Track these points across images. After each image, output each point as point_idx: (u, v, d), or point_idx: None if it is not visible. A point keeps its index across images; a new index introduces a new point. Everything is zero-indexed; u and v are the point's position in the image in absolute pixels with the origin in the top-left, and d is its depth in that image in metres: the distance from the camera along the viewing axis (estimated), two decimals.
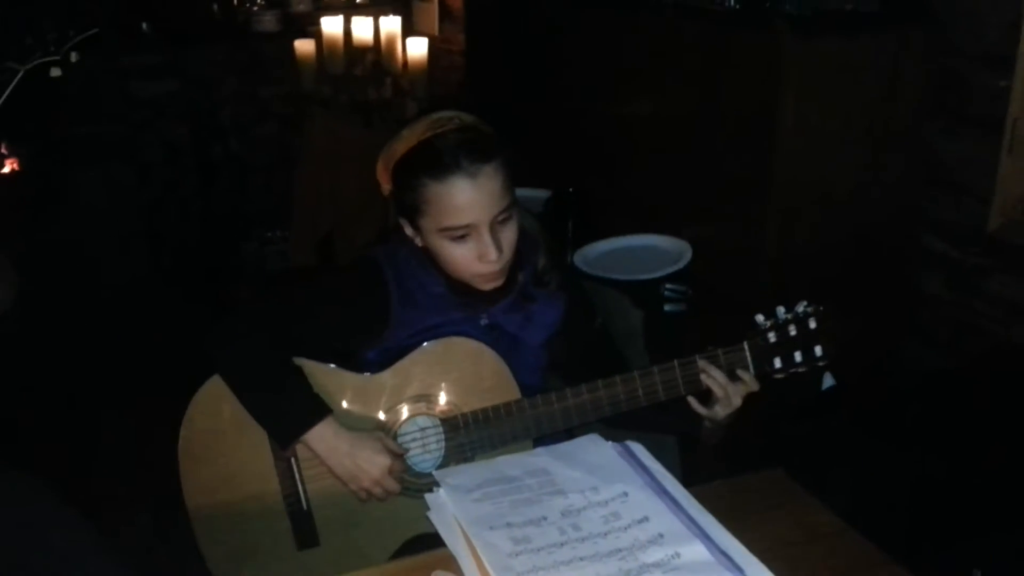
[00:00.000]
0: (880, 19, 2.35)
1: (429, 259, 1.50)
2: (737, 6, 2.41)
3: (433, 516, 1.23)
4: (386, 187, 1.51)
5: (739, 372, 1.46)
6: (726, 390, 1.45)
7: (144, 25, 4.14)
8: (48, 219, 3.74)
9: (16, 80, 1.46)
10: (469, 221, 1.40)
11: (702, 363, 1.46)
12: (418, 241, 1.49)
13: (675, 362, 1.46)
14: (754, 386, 1.47)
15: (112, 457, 2.86)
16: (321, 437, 1.43)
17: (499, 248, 1.42)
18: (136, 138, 4.10)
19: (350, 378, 1.51)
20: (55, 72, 1.57)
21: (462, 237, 1.42)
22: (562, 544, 1.16)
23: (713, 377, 1.45)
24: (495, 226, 1.42)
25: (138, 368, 3.25)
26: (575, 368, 1.54)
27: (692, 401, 1.48)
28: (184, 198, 4.23)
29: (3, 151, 3.79)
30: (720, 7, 2.44)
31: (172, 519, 1.57)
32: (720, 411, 1.47)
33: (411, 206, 1.44)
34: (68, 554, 1.39)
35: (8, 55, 1.50)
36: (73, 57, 1.59)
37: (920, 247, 2.51)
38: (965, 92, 2.34)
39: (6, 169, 3.81)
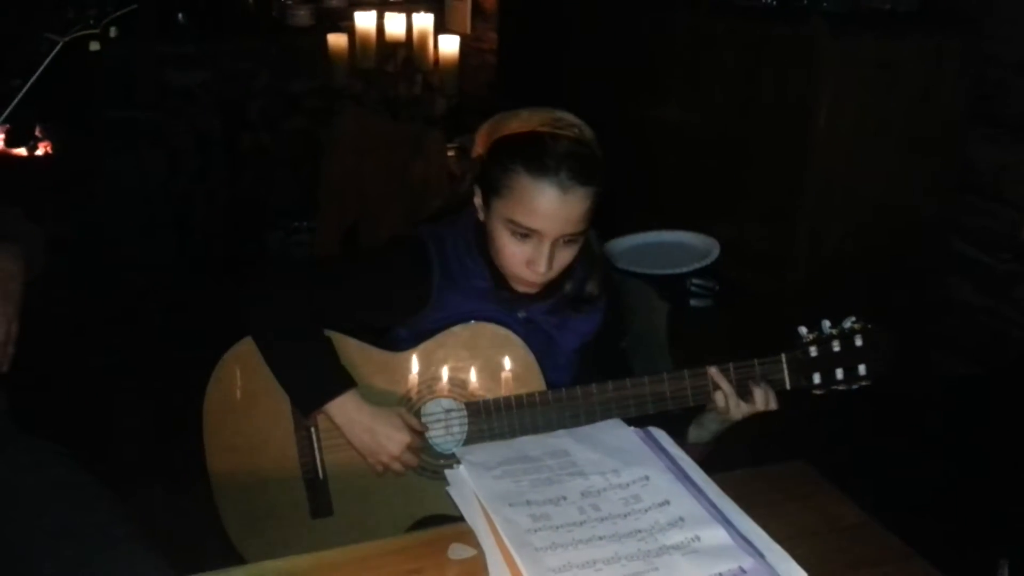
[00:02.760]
0: (919, 21, 2.32)
1: (479, 248, 1.49)
2: (774, 3, 2.39)
3: (453, 491, 1.22)
4: (478, 150, 1.48)
5: (754, 390, 1.43)
6: (728, 402, 1.42)
7: (180, 15, 4.19)
8: (78, 202, 3.78)
9: (55, 51, 1.47)
10: (538, 227, 1.39)
11: (712, 370, 1.43)
12: (480, 214, 1.48)
13: (707, 368, 1.43)
14: (763, 406, 1.43)
15: (130, 429, 2.89)
16: (343, 408, 1.43)
17: (550, 264, 1.41)
18: (168, 126, 4.14)
19: (377, 354, 1.51)
20: (94, 46, 1.57)
21: (524, 236, 1.40)
22: (582, 523, 1.15)
23: (720, 387, 1.43)
24: (558, 243, 1.41)
25: (158, 349, 3.28)
26: (590, 380, 1.51)
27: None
28: (212, 187, 4.26)
29: (37, 134, 3.84)
30: (757, 3, 2.43)
31: (190, 488, 1.57)
32: (712, 420, 1.46)
33: (494, 183, 1.42)
34: (87, 519, 1.39)
35: (49, 27, 1.51)
36: (112, 32, 1.59)
37: (951, 252, 2.48)
38: (1002, 98, 2.32)
39: (39, 151, 3.87)
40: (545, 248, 1.40)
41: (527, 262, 1.42)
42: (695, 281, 2.39)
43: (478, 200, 1.48)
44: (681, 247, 2.53)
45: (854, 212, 2.36)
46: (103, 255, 3.76)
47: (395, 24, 3.81)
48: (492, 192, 1.43)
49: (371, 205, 3.56)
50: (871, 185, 2.35)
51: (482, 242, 1.49)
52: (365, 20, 3.75)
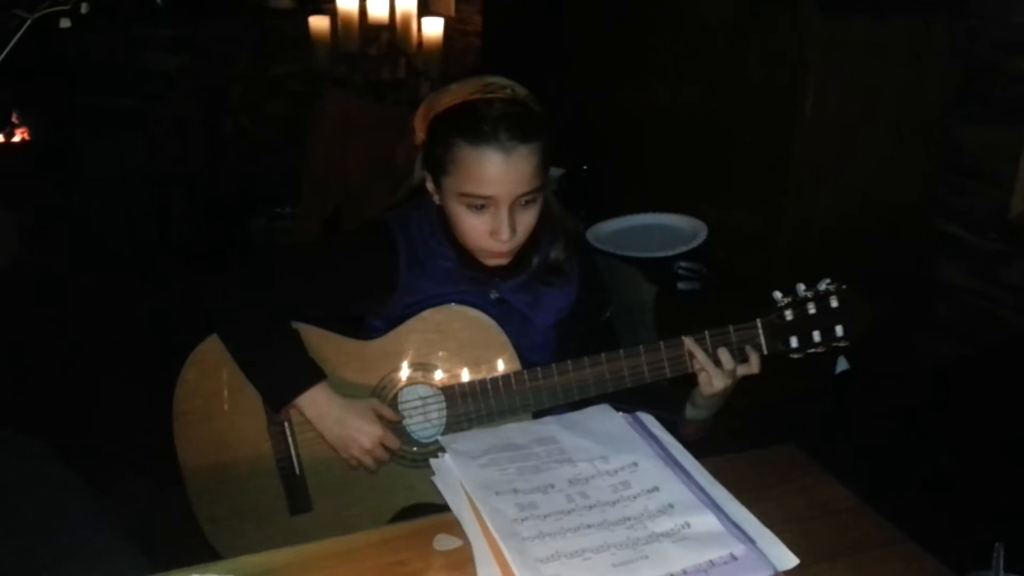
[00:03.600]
0: (908, 1, 2.30)
1: (442, 229, 1.48)
2: None
3: (438, 480, 1.20)
4: (419, 135, 1.47)
5: (719, 353, 1.39)
6: (707, 370, 1.39)
7: None
8: (56, 189, 3.73)
9: (24, 28, 1.43)
10: (490, 194, 1.37)
11: (687, 340, 1.40)
12: (436, 199, 1.47)
13: (682, 338, 1.41)
14: (730, 365, 1.39)
15: (110, 420, 2.85)
16: (313, 402, 1.40)
17: (513, 229, 1.39)
18: (147, 111, 4.09)
19: (348, 344, 1.48)
20: (64, 23, 1.53)
21: (480, 208, 1.39)
22: (569, 511, 1.13)
23: (695, 357, 1.39)
24: (515, 207, 1.39)
25: (140, 337, 3.24)
26: (574, 355, 1.48)
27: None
28: (193, 172, 4.21)
29: (14, 120, 3.78)
30: None
31: (169, 482, 1.54)
32: (699, 394, 1.43)
33: (439, 162, 1.41)
34: (61, 512, 1.37)
35: (16, 3, 1.47)
36: (83, 8, 1.55)
37: (939, 233, 2.47)
38: (991, 78, 2.31)
39: (16, 138, 3.81)
40: (503, 214, 1.38)
41: (490, 232, 1.40)
42: (683, 264, 2.38)
43: (430, 185, 1.46)
44: (668, 230, 2.52)
45: (842, 193, 2.35)
46: (83, 242, 3.71)
47: (378, 6, 3.77)
48: (439, 172, 1.41)
49: (355, 189, 3.52)
50: (859, 166, 2.33)
51: (444, 223, 1.47)
52: (348, 2, 3.70)
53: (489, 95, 1.38)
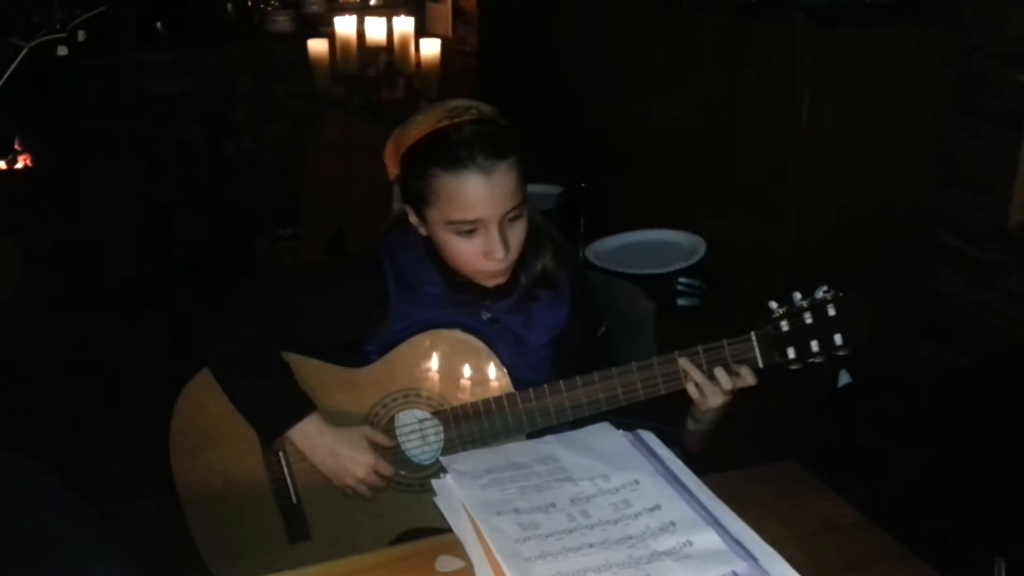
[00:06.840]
0: (900, 12, 2.31)
1: (429, 255, 1.48)
2: None
3: (439, 501, 1.20)
4: (393, 171, 1.47)
5: (716, 372, 1.38)
6: (703, 389, 1.38)
7: (159, 24, 4.16)
8: (60, 214, 3.74)
9: (21, 56, 1.44)
10: (478, 216, 1.37)
11: (682, 360, 1.39)
12: (422, 231, 1.46)
13: (676, 354, 1.39)
14: (728, 385, 1.38)
15: (115, 445, 2.85)
16: (304, 434, 1.40)
17: (507, 246, 1.39)
18: (150, 135, 4.11)
19: (337, 372, 1.48)
20: (62, 51, 1.54)
21: (470, 232, 1.38)
22: (571, 531, 1.13)
23: (691, 376, 1.38)
24: (504, 223, 1.39)
25: (145, 361, 3.24)
26: (572, 374, 1.47)
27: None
28: (196, 196, 4.23)
29: (16, 147, 3.81)
30: None
31: (174, 507, 1.54)
32: (697, 410, 1.43)
33: (419, 195, 1.40)
34: (66, 537, 1.37)
35: (13, 32, 1.48)
36: (80, 36, 1.56)
37: (937, 244, 2.47)
38: (986, 88, 2.31)
39: (19, 164, 3.83)
40: (494, 233, 1.38)
41: (484, 254, 1.39)
42: (682, 280, 2.38)
43: (413, 218, 1.46)
44: (667, 246, 2.52)
45: (839, 206, 2.35)
46: (87, 268, 3.72)
47: (376, 28, 3.80)
48: (421, 204, 1.41)
49: (356, 209, 3.54)
50: (856, 178, 2.34)
51: (431, 251, 1.47)
52: (345, 25, 3.73)
53: (456, 119, 1.38)
